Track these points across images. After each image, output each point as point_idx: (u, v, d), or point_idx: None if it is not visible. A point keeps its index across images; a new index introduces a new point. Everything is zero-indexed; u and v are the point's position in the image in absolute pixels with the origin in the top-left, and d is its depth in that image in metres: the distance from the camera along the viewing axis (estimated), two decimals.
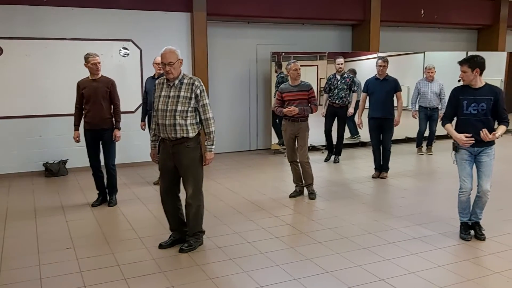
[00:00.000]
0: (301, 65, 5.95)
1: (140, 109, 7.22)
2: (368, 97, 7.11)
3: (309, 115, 5.91)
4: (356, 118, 7.79)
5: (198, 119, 4.18)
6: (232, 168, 7.98)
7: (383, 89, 6.85)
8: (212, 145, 4.23)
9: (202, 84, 4.15)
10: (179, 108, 4.05)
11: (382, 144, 7.05)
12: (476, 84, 4.32)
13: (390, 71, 7.02)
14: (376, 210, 5.55)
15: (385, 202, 6.01)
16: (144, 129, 6.63)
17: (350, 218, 5.20)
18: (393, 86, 6.89)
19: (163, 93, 4.15)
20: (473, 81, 4.31)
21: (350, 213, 5.41)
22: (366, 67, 9.46)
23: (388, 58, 7.05)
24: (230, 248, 4.36)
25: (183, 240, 4.36)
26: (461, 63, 4.32)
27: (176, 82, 4.11)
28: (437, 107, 8.67)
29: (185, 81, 4.12)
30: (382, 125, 6.92)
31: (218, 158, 8.38)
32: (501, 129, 4.31)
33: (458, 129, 4.38)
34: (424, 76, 8.80)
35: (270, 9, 8.83)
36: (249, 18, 8.95)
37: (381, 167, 7.13)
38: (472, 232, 4.58)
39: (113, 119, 5.63)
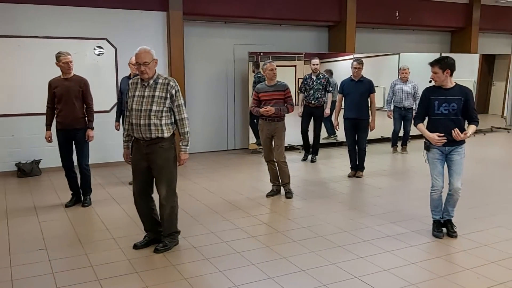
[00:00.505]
0: (278, 65, 5.98)
1: (115, 108, 7.14)
2: (343, 98, 7.19)
3: (286, 115, 5.95)
4: (333, 119, 7.86)
5: (173, 119, 4.16)
6: (209, 167, 7.95)
7: (358, 90, 6.93)
8: (187, 145, 4.23)
9: (177, 84, 4.14)
10: (154, 108, 4.02)
11: (357, 144, 7.14)
12: (447, 85, 4.41)
13: (366, 72, 7.11)
14: (352, 208, 5.62)
15: (361, 201, 6.08)
16: (118, 129, 6.55)
17: (326, 217, 5.24)
18: (368, 88, 6.96)
19: (137, 93, 4.11)
20: (444, 82, 4.40)
21: (326, 212, 5.46)
22: (342, 68, 9.56)
23: (364, 59, 7.14)
24: (205, 247, 4.35)
25: (158, 241, 4.32)
26: (432, 64, 4.40)
27: (151, 82, 4.07)
28: (412, 107, 8.81)
29: (160, 81, 4.09)
30: (357, 125, 7.00)
31: (195, 157, 8.34)
32: (472, 128, 4.41)
33: (430, 129, 4.47)
34: (399, 77, 8.94)
35: (247, 9, 8.83)
36: (226, 18, 8.94)
37: (357, 167, 7.21)
38: (444, 229, 4.67)
39: (86, 118, 5.55)
